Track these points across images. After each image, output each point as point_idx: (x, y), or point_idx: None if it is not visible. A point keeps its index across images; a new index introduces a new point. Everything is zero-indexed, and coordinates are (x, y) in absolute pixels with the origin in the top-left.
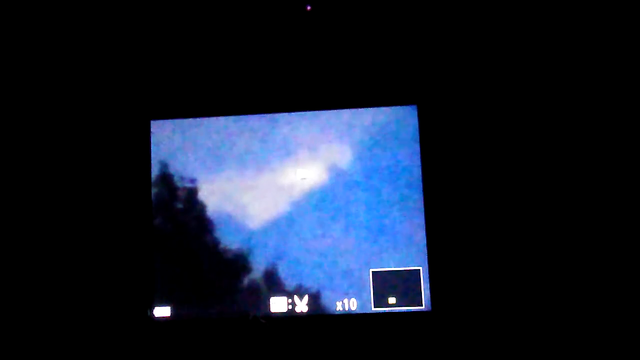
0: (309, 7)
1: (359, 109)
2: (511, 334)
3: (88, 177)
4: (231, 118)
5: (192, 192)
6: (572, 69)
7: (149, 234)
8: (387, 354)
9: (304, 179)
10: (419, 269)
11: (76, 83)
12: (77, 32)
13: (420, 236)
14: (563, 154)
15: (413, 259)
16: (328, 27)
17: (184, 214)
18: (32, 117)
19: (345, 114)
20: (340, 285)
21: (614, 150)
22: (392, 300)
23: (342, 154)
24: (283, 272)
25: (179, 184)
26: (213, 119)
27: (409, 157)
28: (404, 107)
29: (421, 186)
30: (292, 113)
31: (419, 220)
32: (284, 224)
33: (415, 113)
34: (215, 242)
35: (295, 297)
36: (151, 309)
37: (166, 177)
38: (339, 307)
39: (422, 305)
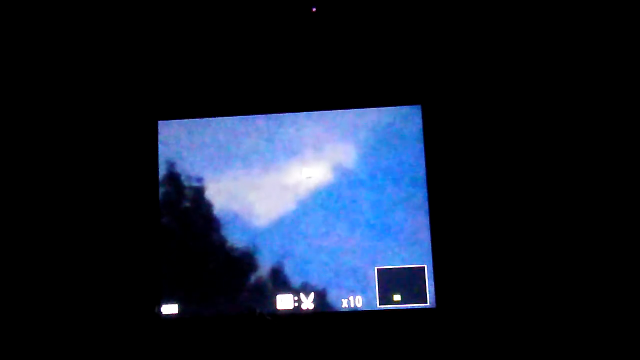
0: (314, 9)
1: (364, 109)
2: (515, 330)
3: (97, 177)
4: (237, 118)
5: (199, 191)
6: (577, 69)
7: (157, 232)
8: (392, 351)
9: (310, 178)
10: (424, 267)
11: (84, 84)
12: (85, 34)
13: (425, 234)
14: (567, 154)
15: (418, 256)
16: (333, 28)
17: (191, 213)
18: (41, 118)
19: (350, 114)
20: (346, 282)
21: (615, 150)
22: (397, 297)
23: (347, 153)
24: (289, 270)
25: (186, 183)
26: (219, 119)
27: (414, 156)
28: (409, 107)
29: (425, 185)
30: (298, 113)
31: (424, 218)
32: (290, 223)
33: (420, 113)
34: (222, 241)
35: (301, 295)
36: (159, 307)
37: (173, 177)
38: (344, 304)
39: (426, 303)
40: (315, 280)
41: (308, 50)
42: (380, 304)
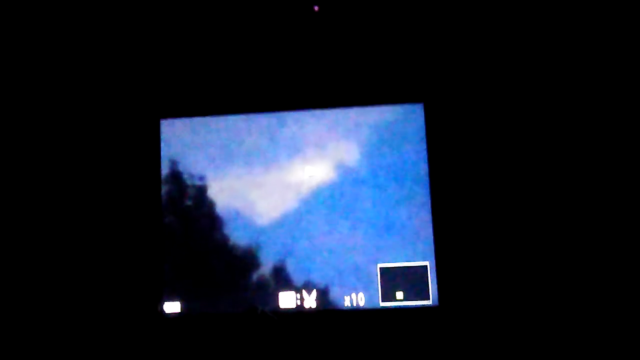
0: (316, 8)
1: (366, 107)
2: (517, 328)
3: (99, 175)
4: (240, 116)
5: (202, 190)
6: (581, 68)
7: (159, 231)
8: (395, 349)
9: (312, 176)
10: (426, 264)
11: (87, 83)
12: (88, 32)
13: (427, 232)
14: (570, 152)
15: (420, 254)
16: (335, 26)
17: (194, 211)
18: (44, 116)
19: (353, 112)
20: (349, 280)
21: (615, 148)
22: (399, 295)
23: (349, 152)
24: (291, 267)
25: (189, 181)
26: (222, 118)
27: (416, 154)
28: (411, 105)
29: (428, 183)
30: (300, 111)
31: (426, 216)
32: (292, 221)
33: (422, 111)
34: (225, 239)
35: (304, 293)
36: (161, 305)
37: (176, 175)
38: (347, 302)
39: (429, 300)
40: (317, 278)
41: (310, 48)
42: (382, 302)
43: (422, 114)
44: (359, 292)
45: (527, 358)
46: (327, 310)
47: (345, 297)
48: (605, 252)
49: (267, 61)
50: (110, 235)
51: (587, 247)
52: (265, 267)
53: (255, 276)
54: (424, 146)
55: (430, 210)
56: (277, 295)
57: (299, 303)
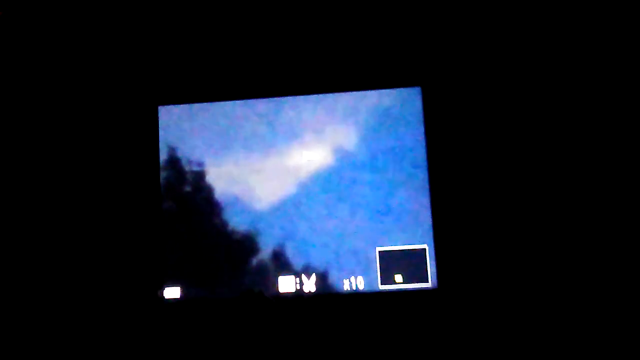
0: None
1: (364, 92)
2: (516, 310)
3: (98, 162)
4: (238, 102)
5: (200, 176)
6: (579, 54)
7: (159, 217)
8: (394, 331)
9: (310, 160)
10: (425, 247)
11: (84, 70)
12: (84, 19)
13: (426, 215)
14: (568, 137)
15: (419, 237)
16: (332, 10)
17: (193, 197)
18: (41, 104)
19: (350, 97)
20: (348, 264)
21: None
22: (398, 278)
23: (347, 136)
24: (291, 252)
25: (187, 167)
26: (220, 104)
27: (414, 137)
28: (408, 88)
29: (426, 166)
30: (298, 96)
31: (424, 199)
32: (291, 206)
33: (420, 94)
34: (224, 224)
35: (303, 277)
36: (161, 290)
37: (174, 161)
38: (346, 285)
39: (428, 283)
40: (316, 262)
41: (307, 33)
42: (381, 285)
43: (420, 97)
44: (358, 276)
45: (525, 340)
46: (327, 294)
47: (344, 280)
48: (605, 231)
49: (264, 47)
50: (109, 222)
51: (586, 229)
52: (265, 252)
53: (254, 261)
54: (422, 130)
55: (429, 194)
56: (277, 279)
57: (298, 287)
